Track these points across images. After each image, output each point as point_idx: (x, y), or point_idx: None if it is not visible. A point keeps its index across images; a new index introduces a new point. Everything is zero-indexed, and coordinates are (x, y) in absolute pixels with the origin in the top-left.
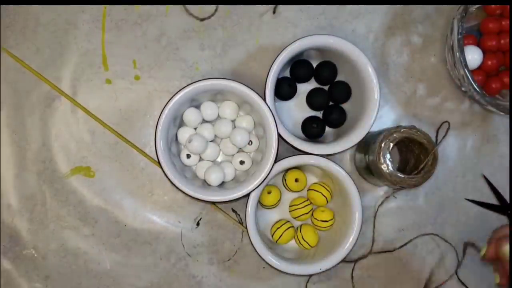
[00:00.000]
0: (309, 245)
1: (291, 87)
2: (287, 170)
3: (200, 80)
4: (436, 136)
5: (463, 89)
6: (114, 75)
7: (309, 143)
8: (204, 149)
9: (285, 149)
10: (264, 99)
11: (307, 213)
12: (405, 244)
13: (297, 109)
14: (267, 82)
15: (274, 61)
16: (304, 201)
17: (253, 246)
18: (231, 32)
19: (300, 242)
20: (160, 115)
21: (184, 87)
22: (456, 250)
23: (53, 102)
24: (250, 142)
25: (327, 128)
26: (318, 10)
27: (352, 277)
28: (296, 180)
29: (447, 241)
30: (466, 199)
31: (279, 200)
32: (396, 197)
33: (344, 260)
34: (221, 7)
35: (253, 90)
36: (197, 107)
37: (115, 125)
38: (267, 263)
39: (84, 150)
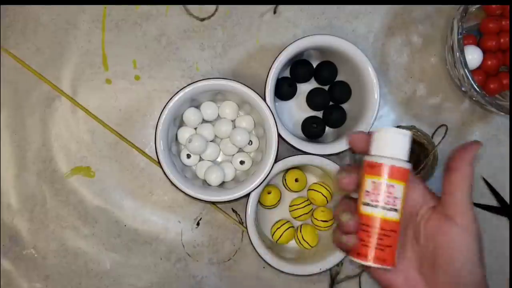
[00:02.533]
0: (309, 245)
1: (291, 87)
2: (287, 170)
3: (200, 80)
4: (431, 138)
5: (463, 89)
6: (114, 75)
7: (309, 143)
8: (204, 149)
9: (285, 149)
10: (264, 99)
11: (307, 213)
12: None
13: (297, 109)
14: (267, 82)
15: (274, 61)
16: (304, 201)
17: (253, 246)
18: (231, 32)
19: (300, 242)
20: (160, 115)
21: (184, 87)
22: None
23: (53, 102)
24: (250, 142)
25: (327, 128)
26: (318, 10)
27: (359, 277)
28: (296, 180)
29: None
30: None
31: (279, 200)
32: None
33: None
34: (221, 7)
35: (253, 90)
36: (197, 107)
37: (115, 125)
38: (267, 263)
39: (84, 150)
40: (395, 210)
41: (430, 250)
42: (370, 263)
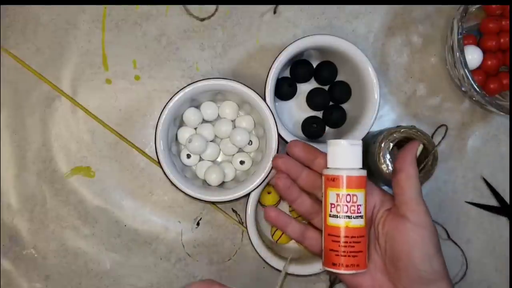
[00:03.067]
0: None
1: (291, 87)
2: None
3: (200, 80)
4: (431, 138)
5: (463, 89)
6: (114, 75)
7: (309, 143)
8: (204, 149)
9: (285, 149)
10: (264, 99)
11: None
12: None
13: (297, 109)
14: (267, 82)
15: (274, 61)
16: None
17: (253, 246)
18: (231, 32)
19: None
20: (160, 115)
21: (184, 87)
22: (462, 249)
23: (53, 102)
24: (250, 142)
25: (327, 128)
26: (318, 10)
27: None
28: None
29: (448, 233)
30: (466, 201)
31: (279, 200)
32: None
33: None
34: (221, 7)
35: (253, 90)
36: (197, 107)
37: (115, 125)
38: (267, 263)
39: (84, 150)
40: (361, 216)
41: (389, 249)
42: (345, 271)
